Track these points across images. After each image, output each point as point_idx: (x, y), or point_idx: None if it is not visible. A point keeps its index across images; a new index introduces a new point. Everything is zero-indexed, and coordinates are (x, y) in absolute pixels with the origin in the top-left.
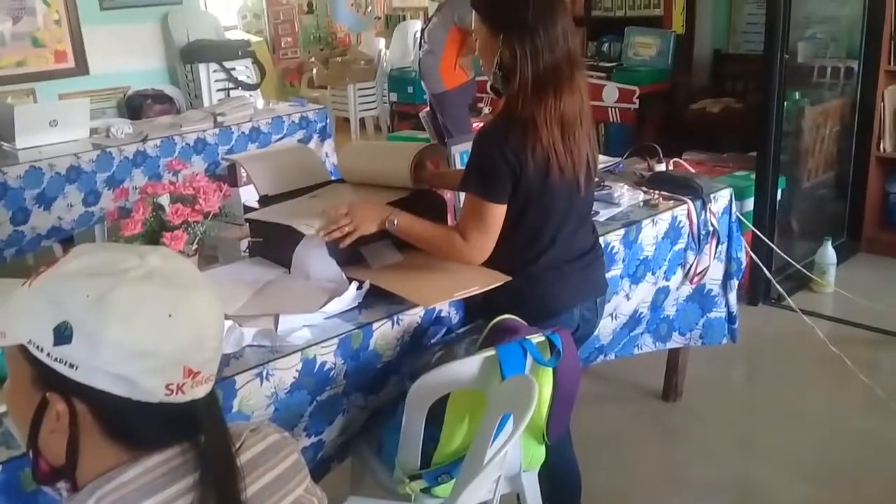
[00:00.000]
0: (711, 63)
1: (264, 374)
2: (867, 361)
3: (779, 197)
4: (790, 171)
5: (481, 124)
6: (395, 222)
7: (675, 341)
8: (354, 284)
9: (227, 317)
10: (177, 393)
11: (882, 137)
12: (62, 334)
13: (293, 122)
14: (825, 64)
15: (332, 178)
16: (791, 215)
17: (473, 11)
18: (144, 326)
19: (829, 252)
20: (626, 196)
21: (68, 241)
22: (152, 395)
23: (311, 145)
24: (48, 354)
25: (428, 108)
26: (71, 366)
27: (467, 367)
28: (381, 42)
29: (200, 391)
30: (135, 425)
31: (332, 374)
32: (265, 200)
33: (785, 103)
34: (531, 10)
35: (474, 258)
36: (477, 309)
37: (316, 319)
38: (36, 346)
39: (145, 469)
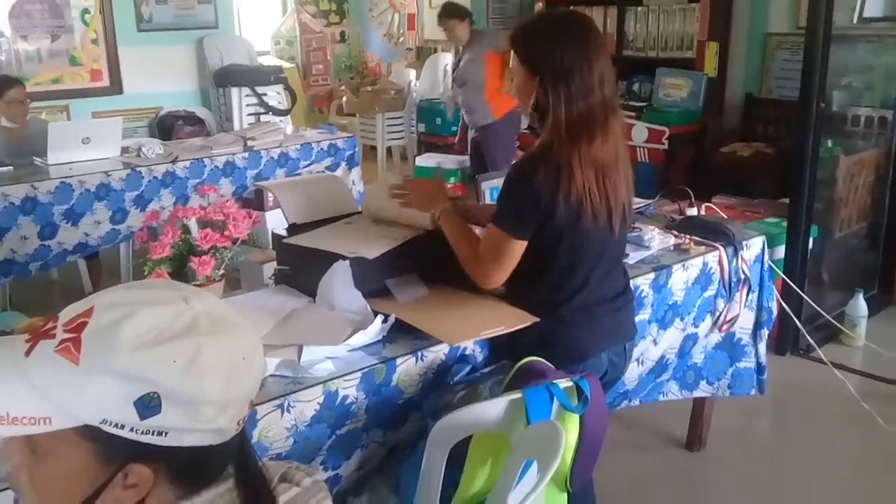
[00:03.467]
0: (743, 107)
1: (285, 405)
2: None
3: (810, 246)
4: (823, 219)
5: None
6: (440, 212)
7: (703, 390)
8: (379, 318)
9: None
10: (241, 424)
11: None
12: (148, 406)
13: (322, 148)
14: (860, 113)
15: (361, 207)
16: (822, 265)
17: (512, 51)
18: (234, 376)
19: (860, 304)
20: (657, 239)
21: (93, 258)
22: (230, 433)
23: (339, 173)
24: (132, 429)
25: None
26: (160, 433)
27: (492, 409)
28: (412, 73)
29: None
30: (207, 467)
31: (353, 408)
32: (294, 229)
33: (819, 151)
34: (568, 55)
35: (482, 282)
36: (502, 348)
37: (340, 352)
38: (114, 424)
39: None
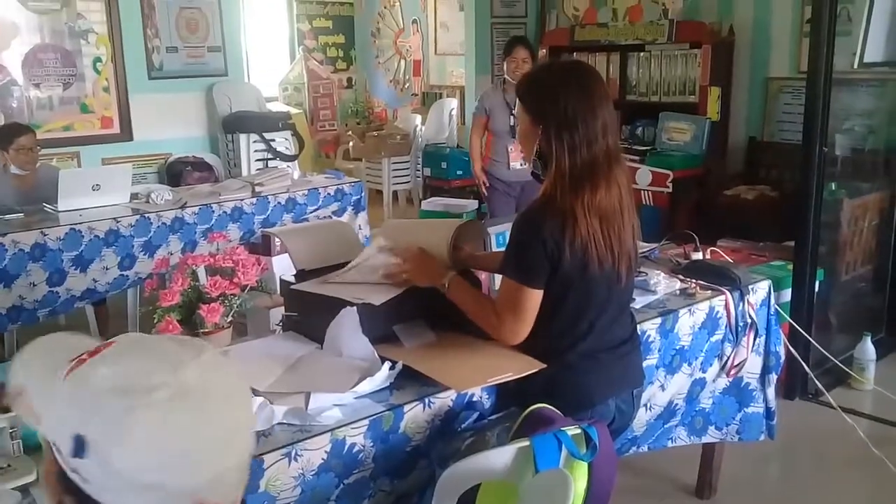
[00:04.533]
0: (746, 150)
1: (293, 454)
2: None
3: (817, 289)
4: (828, 263)
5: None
6: (447, 286)
7: (711, 435)
8: (387, 364)
9: (257, 393)
10: None
11: None
12: (79, 446)
13: (329, 193)
14: (863, 157)
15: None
16: (829, 308)
17: (517, 99)
18: (154, 459)
19: (868, 348)
20: (663, 284)
21: (100, 304)
22: None
23: (345, 217)
24: (65, 462)
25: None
26: (84, 480)
27: (500, 457)
28: (417, 118)
29: None
30: None
31: (360, 456)
32: (302, 275)
33: (823, 194)
34: (571, 104)
35: (507, 339)
36: (510, 395)
37: (347, 399)
38: (57, 448)
39: None
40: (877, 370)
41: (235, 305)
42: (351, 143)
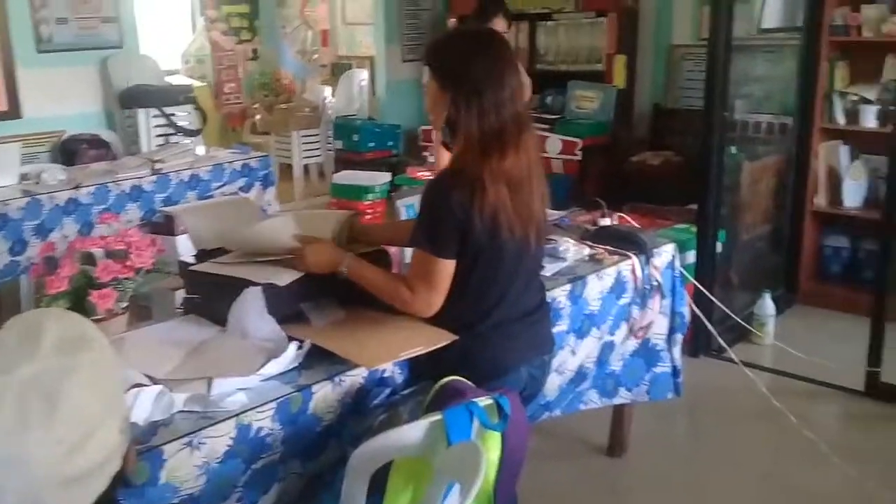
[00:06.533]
0: (651, 117)
1: (195, 442)
2: (807, 414)
3: (718, 250)
4: (729, 224)
5: (426, 173)
6: (346, 271)
7: (622, 396)
8: (294, 344)
9: (156, 381)
10: None
11: (816, 192)
12: None
13: (235, 169)
14: (762, 120)
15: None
16: (731, 268)
17: (426, 67)
18: None
19: (767, 304)
20: (572, 251)
21: None
22: None
23: (253, 193)
24: None
25: None
26: None
27: (412, 433)
28: (327, 90)
29: None
30: None
31: (268, 440)
32: (203, 255)
33: (724, 158)
34: (480, 71)
35: (422, 311)
36: (423, 368)
37: (252, 382)
38: None
39: None
40: (776, 325)
41: (130, 290)
42: (258, 117)
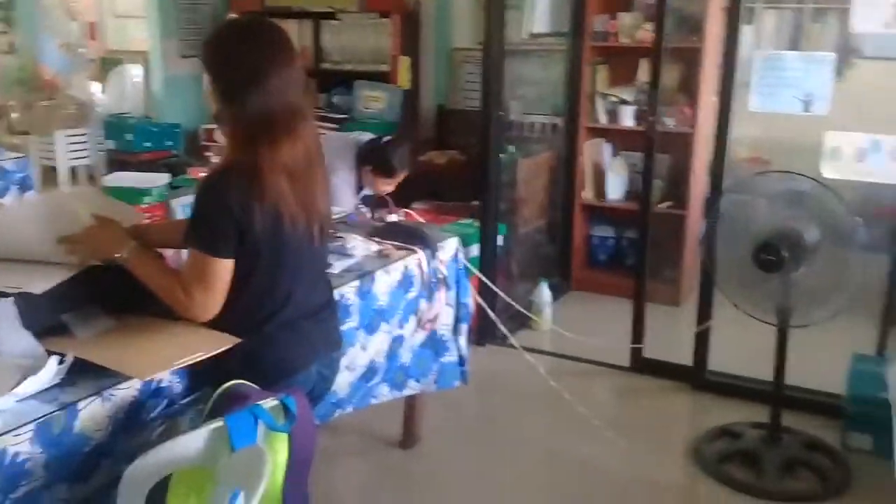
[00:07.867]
0: (436, 117)
1: None
2: (582, 393)
3: (500, 243)
4: (509, 218)
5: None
6: (126, 256)
7: (411, 388)
8: (55, 359)
9: None
10: None
11: (584, 187)
12: None
13: None
14: (535, 121)
15: None
16: (511, 260)
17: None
18: None
19: (544, 292)
20: (360, 247)
21: None
22: None
23: (9, 197)
24: None
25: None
26: None
27: (191, 442)
28: (96, 86)
29: None
30: None
31: (27, 465)
32: None
33: (501, 156)
34: (246, 60)
35: (197, 315)
36: (205, 375)
37: (6, 403)
38: None
39: None
40: (553, 311)
41: None
42: (14, 115)
